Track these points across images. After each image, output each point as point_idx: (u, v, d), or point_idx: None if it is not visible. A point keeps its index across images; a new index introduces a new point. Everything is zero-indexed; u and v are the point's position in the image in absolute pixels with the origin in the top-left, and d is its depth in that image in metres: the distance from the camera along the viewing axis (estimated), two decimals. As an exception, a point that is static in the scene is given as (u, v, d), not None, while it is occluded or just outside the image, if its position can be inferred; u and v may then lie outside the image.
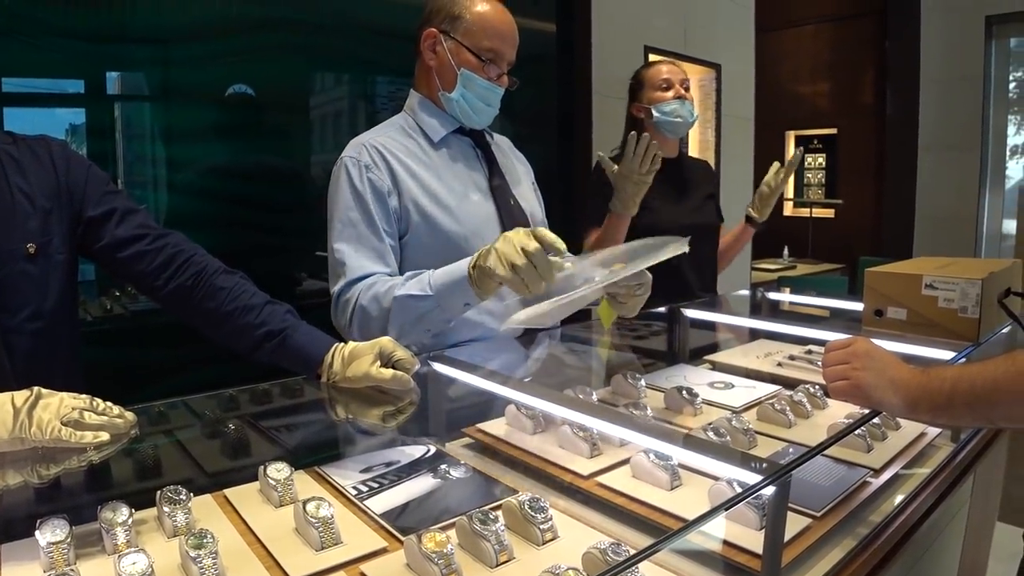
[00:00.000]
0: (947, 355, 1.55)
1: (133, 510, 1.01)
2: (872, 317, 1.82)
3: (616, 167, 2.13)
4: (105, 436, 1.07)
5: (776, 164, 2.54)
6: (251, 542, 1.02)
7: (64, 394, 1.08)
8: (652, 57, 3.70)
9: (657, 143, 2.09)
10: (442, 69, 1.74)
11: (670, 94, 2.43)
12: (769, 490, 0.89)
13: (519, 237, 1.36)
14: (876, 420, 1.46)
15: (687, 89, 2.47)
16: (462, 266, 1.51)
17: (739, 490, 0.94)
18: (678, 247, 1.50)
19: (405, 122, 1.81)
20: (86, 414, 1.06)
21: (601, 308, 1.71)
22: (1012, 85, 6.20)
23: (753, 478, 0.89)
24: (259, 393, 1.47)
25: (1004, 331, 1.82)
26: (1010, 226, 6.10)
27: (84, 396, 1.09)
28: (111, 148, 2.19)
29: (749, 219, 2.62)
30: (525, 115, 3.34)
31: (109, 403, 1.11)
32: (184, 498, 1.05)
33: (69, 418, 1.05)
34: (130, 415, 1.11)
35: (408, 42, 2.62)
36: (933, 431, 1.56)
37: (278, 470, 1.15)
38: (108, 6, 2.08)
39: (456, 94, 1.74)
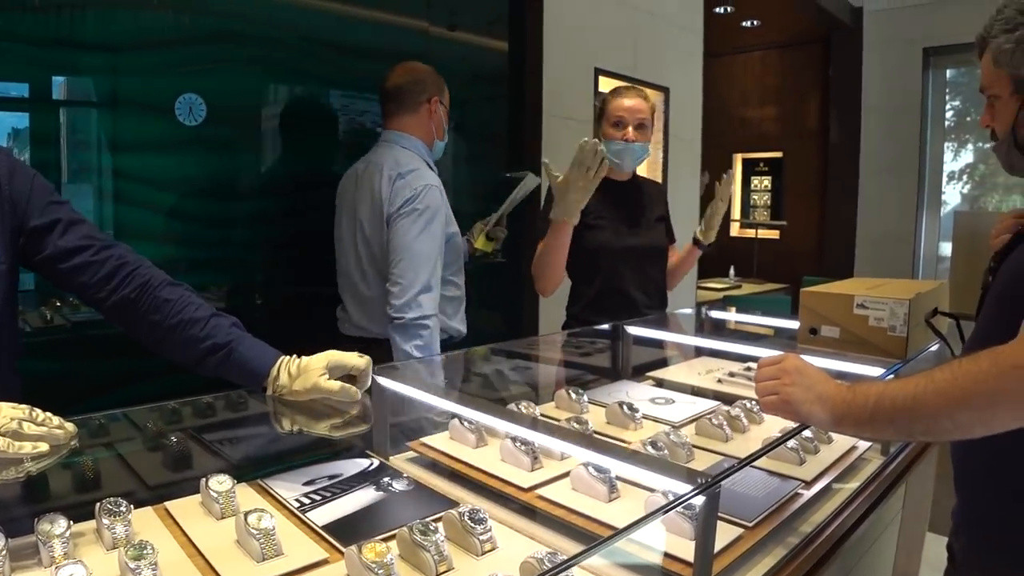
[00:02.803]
0: (877, 372, 1.61)
1: (71, 522, 1.00)
2: (807, 335, 1.88)
3: (559, 174, 2.17)
4: (44, 447, 1.05)
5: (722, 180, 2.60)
6: (192, 554, 1.03)
7: (2, 404, 1.06)
8: (607, 82, 3.76)
9: (604, 153, 2.12)
10: (439, 125, 2.34)
11: (619, 134, 2.43)
12: (699, 500, 0.93)
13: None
14: (808, 434, 1.51)
15: (642, 126, 2.45)
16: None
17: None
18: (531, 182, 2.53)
19: (423, 161, 2.27)
20: (25, 424, 1.05)
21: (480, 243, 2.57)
22: (949, 113, 6.44)
23: (684, 488, 0.93)
24: (203, 405, 1.46)
25: (932, 349, 1.90)
26: (946, 248, 6.31)
27: (23, 406, 1.08)
28: (55, 155, 2.16)
29: (696, 241, 2.67)
30: (477, 134, 3.37)
31: (49, 414, 1.09)
32: (124, 510, 1.05)
33: (7, 428, 1.03)
34: (70, 426, 1.10)
35: (360, 58, 2.66)
36: (864, 444, 1.62)
37: (220, 483, 1.15)
38: (56, 10, 2.06)
39: (445, 141, 2.39)
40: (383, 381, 1.41)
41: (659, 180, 4.31)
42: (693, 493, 0.90)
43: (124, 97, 2.22)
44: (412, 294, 2.07)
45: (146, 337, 1.37)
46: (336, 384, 1.31)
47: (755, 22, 6.50)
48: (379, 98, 2.34)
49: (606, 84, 3.77)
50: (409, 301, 2.06)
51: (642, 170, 4.08)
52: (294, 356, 1.36)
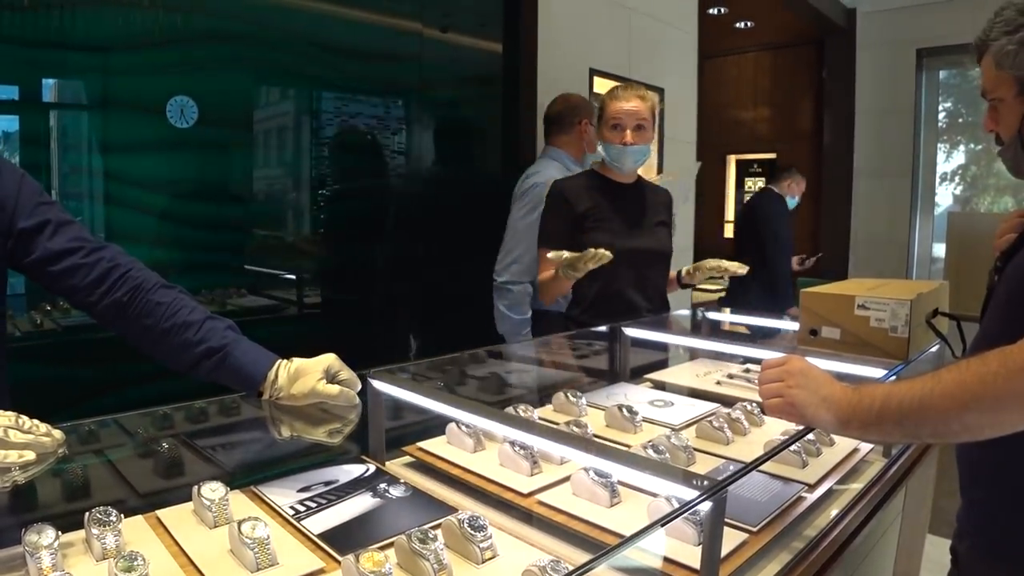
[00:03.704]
0: (878, 373, 1.59)
1: (60, 533, 0.97)
2: (807, 336, 1.86)
3: (566, 254, 2.16)
4: (31, 455, 1.02)
5: (736, 264, 2.57)
6: (184, 564, 1.00)
7: None
8: (602, 83, 3.73)
9: (608, 256, 2.12)
10: (589, 141, 2.92)
11: (618, 138, 2.39)
12: (705, 506, 0.90)
13: None
14: (811, 436, 1.49)
15: (640, 128, 2.40)
16: None
17: (677, 506, 0.95)
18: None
19: (562, 168, 2.89)
20: (11, 432, 1.01)
21: None
22: (941, 115, 6.45)
23: (690, 494, 0.90)
24: (196, 411, 1.43)
25: (933, 350, 1.88)
26: (939, 249, 6.32)
27: (9, 413, 1.04)
28: (45, 158, 2.13)
29: (679, 277, 2.64)
30: (471, 134, 3.35)
31: (36, 421, 1.06)
32: (114, 519, 1.02)
33: (-8, 436, 1.00)
34: (58, 433, 1.07)
35: (353, 59, 2.64)
36: (866, 447, 1.61)
37: (212, 490, 1.12)
38: (46, 11, 2.03)
39: (596, 153, 2.64)
40: (378, 384, 1.38)
41: (653, 182, 4.28)
42: (701, 498, 0.88)
43: (115, 99, 2.20)
44: (505, 263, 2.79)
45: (139, 341, 1.33)
46: (335, 388, 1.29)
47: (748, 23, 6.50)
48: (544, 123, 3.07)
49: (601, 85, 3.75)
50: (501, 267, 2.79)
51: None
52: (292, 359, 1.33)
